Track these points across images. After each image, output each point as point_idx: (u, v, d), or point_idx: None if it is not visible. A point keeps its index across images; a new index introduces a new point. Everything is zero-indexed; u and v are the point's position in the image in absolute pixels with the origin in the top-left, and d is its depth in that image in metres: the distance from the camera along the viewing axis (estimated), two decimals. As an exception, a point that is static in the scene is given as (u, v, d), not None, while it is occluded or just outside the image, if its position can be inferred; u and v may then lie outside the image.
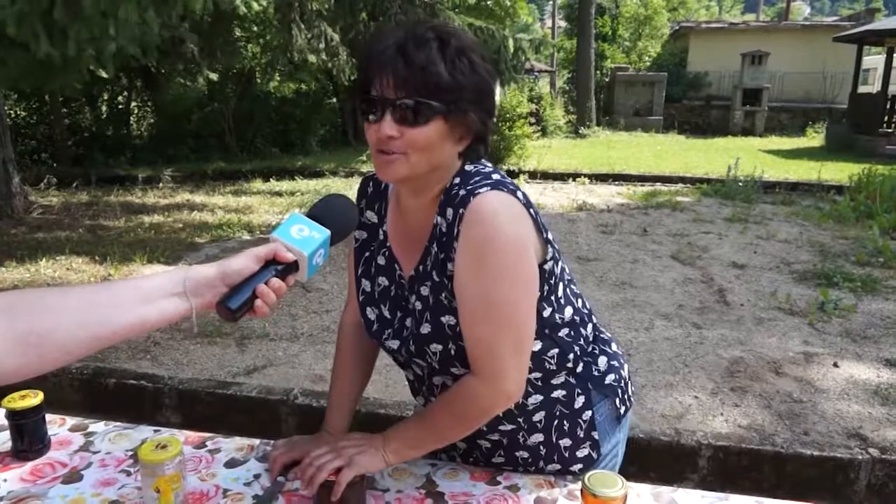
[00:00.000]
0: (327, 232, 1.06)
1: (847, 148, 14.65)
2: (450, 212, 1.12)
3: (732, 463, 2.66)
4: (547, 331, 1.20)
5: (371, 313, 1.29)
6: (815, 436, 2.90)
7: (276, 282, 1.01)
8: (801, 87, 22.28)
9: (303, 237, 1.04)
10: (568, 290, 1.26)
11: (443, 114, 1.06)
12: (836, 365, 3.66)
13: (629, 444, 2.66)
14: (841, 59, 19.93)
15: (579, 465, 1.30)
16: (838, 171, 10.72)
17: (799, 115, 20.80)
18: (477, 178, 1.12)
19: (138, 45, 4.54)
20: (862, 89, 17.52)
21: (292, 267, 1.03)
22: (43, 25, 3.92)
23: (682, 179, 10.61)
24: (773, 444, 2.67)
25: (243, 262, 1.01)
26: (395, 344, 1.26)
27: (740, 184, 9.25)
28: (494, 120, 1.18)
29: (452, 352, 1.17)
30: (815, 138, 17.78)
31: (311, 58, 8.16)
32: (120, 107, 13.84)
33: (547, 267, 1.17)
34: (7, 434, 1.33)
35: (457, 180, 1.14)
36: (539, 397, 1.25)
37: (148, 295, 0.96)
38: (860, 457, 2.59)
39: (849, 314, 4.45)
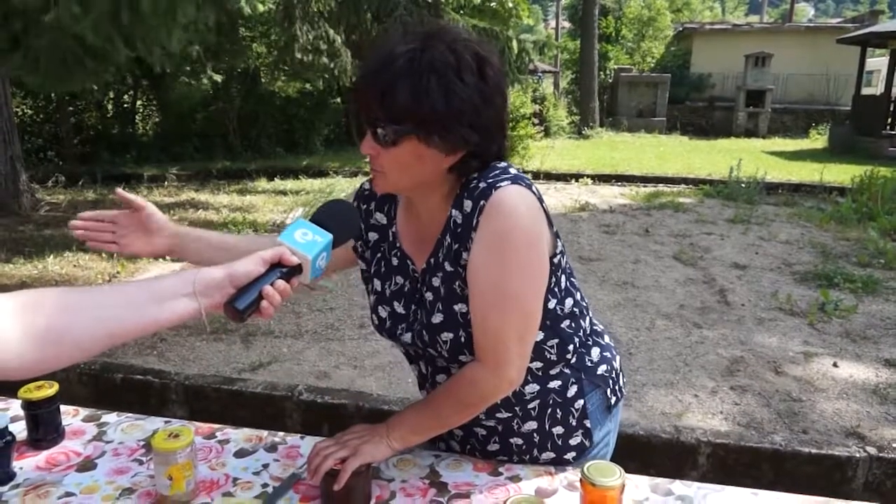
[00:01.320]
0: (330, 236, 1.10)
1: (850, 150, 14.65)
2: (468, 204, 1.15)
3: (732, 460, 2.69)
4: (549, 322, 1.24)
5: (383, 311, 1.32)
6: (814, 434, 2.93)
7: (281, 284, 1.04)
8: (804, 88, 22.28)
9: (306, 241, 1.07)
10: (569, 282, 1.29)
11: (414, 134, 1.08)
12: (835, 365, 3.69)
13: (630, 441, 2.69)
14: (844, 61, 19.90)
15: (573, 454, 1.33)
16: (841, 173, 10.73)
17: (802, 117, 20.82)
18: (496, 172, 1.16)
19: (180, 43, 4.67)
20: (865, 91, 17.56)
21: (296, 270, 1.07)
22: (116, 30, 4.06)
23: (685, 180, 10.63)
24: (771, 442, 2.70)
25: (250, 265, 1.04)
26: (408, 337, 1.29)
27: (743, 185, 9.27)
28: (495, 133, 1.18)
29: (462, 339, 1.21)
30: (818, 140, 17.77)
31: (313, 58, 8.21)
32: (126, 106, 13.92)
33: (556, 260, 1.22)
34: (23, 423, 1.37)
35: (474, 175, 1.17)
36: (536, 387, 1.29)
37: (159, 295, 0.99)
38: (858, 455, 2.62)
39: (849, 315, 4.47)
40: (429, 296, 1.24)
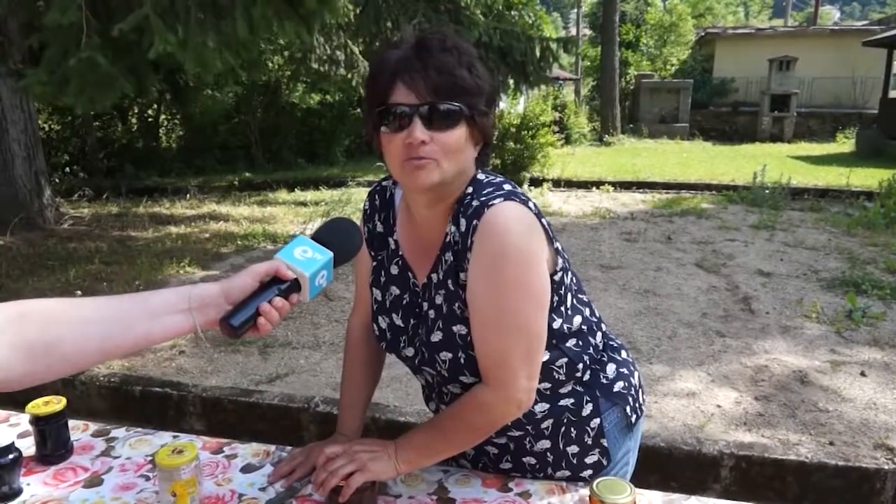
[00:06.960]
0: (330, 254, 1.08)
1: (878, 153, 14.41)
2: (463, 222, 1.13)
3: (755, 473, 2.63)
4: (555, 341, 1.21)
5: (382, 322, 1.31)
6: (841, 446, 2.85)
7: (279, 300, 1.03)
8: (830, 92, 21.95)
9: (306, 258, 1.06)
10: (576, 299, 1.26)
11: (466, 117, 1.09)
12: (863, 374, 3.59)
13: (651, 454, 2.64)
14: (871, 64, 19.62)
15: (589, 472, 1.30)
16: (869, 177, 10.54)
17: (829, 121, 20.49)
18: (489, 189, 1.13)
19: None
20: (893, 94, 17.23)
21: (294, 286, 1.05)
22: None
23: (708, 187, 10.50)
24: (797, 454, 2.63)
25: (245, 281, 1.03)
26: (410, 352, 1.27)
27: (767, 190, 9.13)
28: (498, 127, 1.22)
29: (462, 360, 1.18)
30: (845, 144, 17.49)
31: (329, 68, 8.23)
32: (150, 120, 14.10)
33: (557, 277, 1.18)
34: (32, 439, 1.37)
35: (469, 189, 1.15)
36: (546, 405, 1.25)
37: (153, 311, 0.98)
38: (886, 467, 2.54)
39: (877, 322, 4.37)
40: (430, 313, 1.22)
